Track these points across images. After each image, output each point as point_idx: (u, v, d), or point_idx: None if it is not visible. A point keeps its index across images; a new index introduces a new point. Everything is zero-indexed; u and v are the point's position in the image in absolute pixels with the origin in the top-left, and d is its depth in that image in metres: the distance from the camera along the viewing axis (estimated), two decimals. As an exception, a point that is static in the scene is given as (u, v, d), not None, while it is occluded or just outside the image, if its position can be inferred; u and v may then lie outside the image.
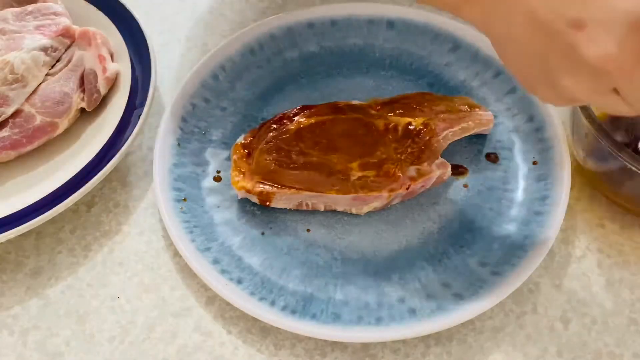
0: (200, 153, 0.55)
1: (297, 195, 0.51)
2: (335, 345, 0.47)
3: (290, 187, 0.50)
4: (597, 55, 0.34)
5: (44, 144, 0.55)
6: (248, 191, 0.51)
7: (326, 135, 0.53)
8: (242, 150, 0.53)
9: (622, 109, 0.37)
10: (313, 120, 0.53)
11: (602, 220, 0.53)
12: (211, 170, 0.55)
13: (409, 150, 0.52)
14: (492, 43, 0.41)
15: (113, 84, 0.58)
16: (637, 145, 0.49)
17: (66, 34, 0.58)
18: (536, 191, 0.52)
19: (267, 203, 0.51)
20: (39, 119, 0.54)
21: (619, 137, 0.49)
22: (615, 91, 0.36)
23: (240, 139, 0.54)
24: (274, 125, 0.54)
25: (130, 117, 0.55)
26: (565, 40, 0.35)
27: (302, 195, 0.51)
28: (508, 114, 0.57)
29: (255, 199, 0.52)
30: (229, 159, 0.55)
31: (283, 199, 0.51)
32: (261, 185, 0.51)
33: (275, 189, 0.51)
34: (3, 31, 0.57)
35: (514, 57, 0.40)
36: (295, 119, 0.53)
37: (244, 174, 0.51)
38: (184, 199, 0.52)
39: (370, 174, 0.51)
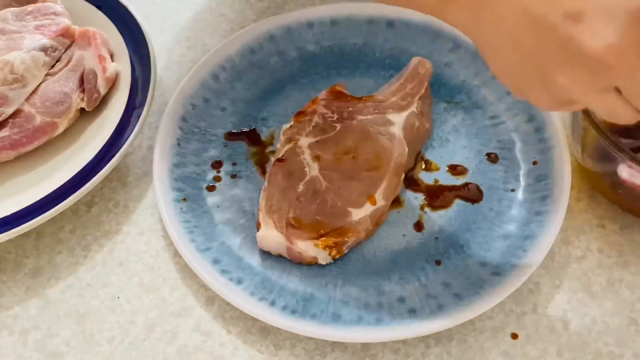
0: (200, 153, 0.55)
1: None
2: (335, 345, 0.47)
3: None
4: (598, 47, 0.32)
5: (44, 144, 0.55)
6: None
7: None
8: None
9: (621, 112, 0.35)
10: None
11: (602, 220, 0.53)
12: (211, 170, 0.55)
13: None
14: (479, 47, 0.39)
15: (113, 84, 0.58)
16: None
17: (66, 34, 0.58)
18: (536, 191, 0.52)
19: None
20: (39, 119, 0.54)
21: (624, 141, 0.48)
22: (616, 90, 0.34)
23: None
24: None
25: (130, 117, 0.55)
26: (562, 34, 0.33)
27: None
28: (508, 114, 0.57)
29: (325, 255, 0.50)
30: (229, 158, 0.55)
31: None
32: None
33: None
34: (3, 31, 0.57)
35: (505, 59, 0.37)
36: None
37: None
38: (184, 199, 0.52)
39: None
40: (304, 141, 0.53)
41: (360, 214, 0.50)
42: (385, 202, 0.51)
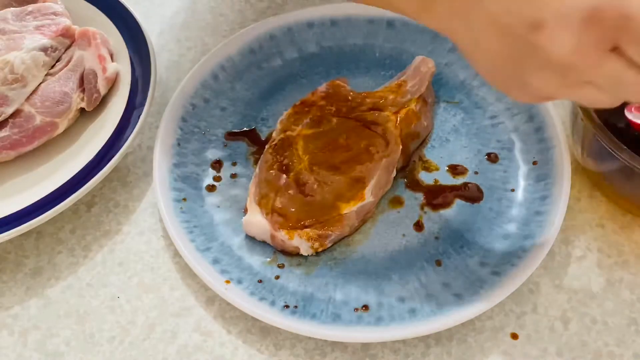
0: (200, 153, 0.55)
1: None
2: (335, 345, 0.47)
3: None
4: (560, 52, 0.35)
5: (44, 144, 0.55)
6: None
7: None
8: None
9: (600, 99, 0.38)
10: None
11: (602, 220, 0.53)
12: (211, 170, 0.55)
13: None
14: (461, 51, 0.41)
15: (113, 84, 0.58)
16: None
17: (66, 34, 0.58)
18: (536, 191, 0.52)
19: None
20: (39, 119, 0.54)
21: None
22: (589, 83, 0.37)
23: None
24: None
25: (130, 117, 0.55)
26: (528, 42, 0.35)
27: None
28: (508, 114, 0.57)
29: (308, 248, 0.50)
30: (229, 158, 0.55)
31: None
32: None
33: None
34: (3, 31, 0.57)
35: (483, 64, 0.40)
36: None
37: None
38: (184, 199, 0.52)
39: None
40: (299, 132, 0.54)
41: (347, 208, 0.50)
42: (373, 198, 0.51)
